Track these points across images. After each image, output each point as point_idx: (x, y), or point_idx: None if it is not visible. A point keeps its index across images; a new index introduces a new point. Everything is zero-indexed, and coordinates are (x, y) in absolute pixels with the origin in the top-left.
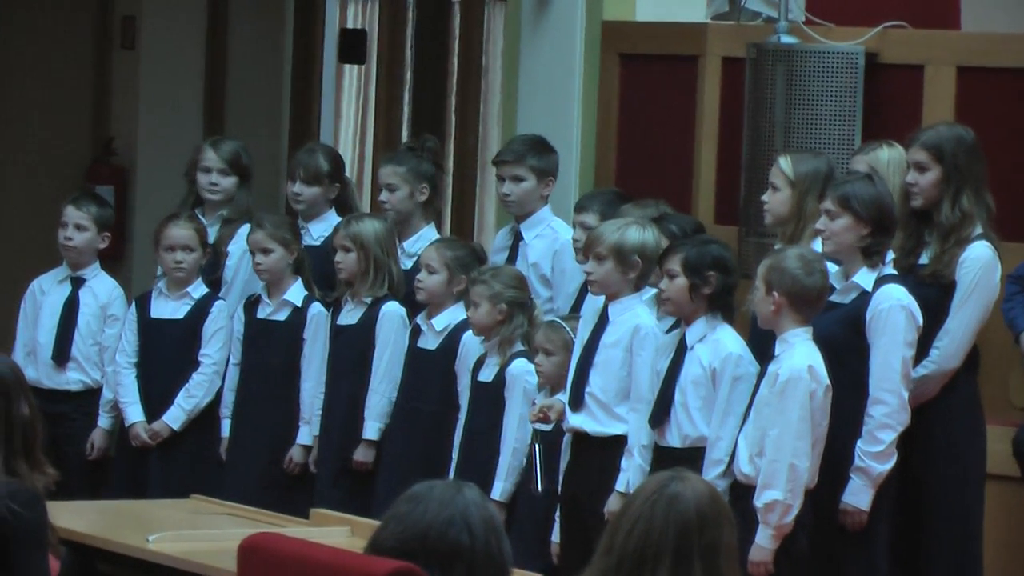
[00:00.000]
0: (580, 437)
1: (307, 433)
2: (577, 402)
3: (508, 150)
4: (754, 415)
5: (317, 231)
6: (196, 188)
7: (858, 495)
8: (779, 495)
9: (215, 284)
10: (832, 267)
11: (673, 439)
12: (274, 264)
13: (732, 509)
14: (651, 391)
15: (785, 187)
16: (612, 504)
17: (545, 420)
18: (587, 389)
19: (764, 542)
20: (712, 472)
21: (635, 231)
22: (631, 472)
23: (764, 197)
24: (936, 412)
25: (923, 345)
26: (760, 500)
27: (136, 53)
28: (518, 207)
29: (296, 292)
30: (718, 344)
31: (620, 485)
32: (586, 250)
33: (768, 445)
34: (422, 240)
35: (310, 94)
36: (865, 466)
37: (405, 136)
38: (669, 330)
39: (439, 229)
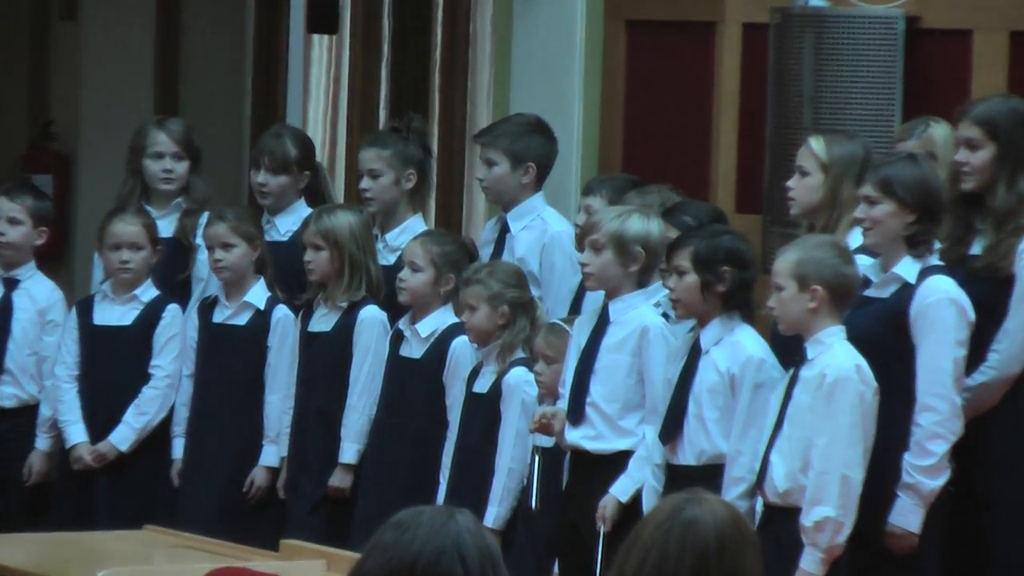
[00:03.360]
0: (580, 455)
1: (273, 453)
2: (577, 415)
3: (486, 129)
4: (790, 426)
5: (285, 225)
6: (141, 178)
7: (907, 515)
8: (831, 511)
9: (184, 284)
10: (864, 259)
11: (687, 456)
12: (237, 261)
13: (759, 533)
14: (663, 400)
15: (816, 171)
16: (607, 507)
17: (547, 430)
18: (588, 400)
19: (811, 567)
20: (733, 492)
21: (638, 219)
22: (645, 493)
23: (790, 183)
24: (998, 423)
25: (977, 347)
26: (808, 518)
27: (77, 24)
28: (492, 195)
29: (258, 293)
30: (736, 347)
31: (621, 494)
32: (582, 238)
33: (815, 456)
34: (407, 233)
35: (275, 69)
36: (914, 482)
37: (383, 116)
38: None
39: (427, 219)
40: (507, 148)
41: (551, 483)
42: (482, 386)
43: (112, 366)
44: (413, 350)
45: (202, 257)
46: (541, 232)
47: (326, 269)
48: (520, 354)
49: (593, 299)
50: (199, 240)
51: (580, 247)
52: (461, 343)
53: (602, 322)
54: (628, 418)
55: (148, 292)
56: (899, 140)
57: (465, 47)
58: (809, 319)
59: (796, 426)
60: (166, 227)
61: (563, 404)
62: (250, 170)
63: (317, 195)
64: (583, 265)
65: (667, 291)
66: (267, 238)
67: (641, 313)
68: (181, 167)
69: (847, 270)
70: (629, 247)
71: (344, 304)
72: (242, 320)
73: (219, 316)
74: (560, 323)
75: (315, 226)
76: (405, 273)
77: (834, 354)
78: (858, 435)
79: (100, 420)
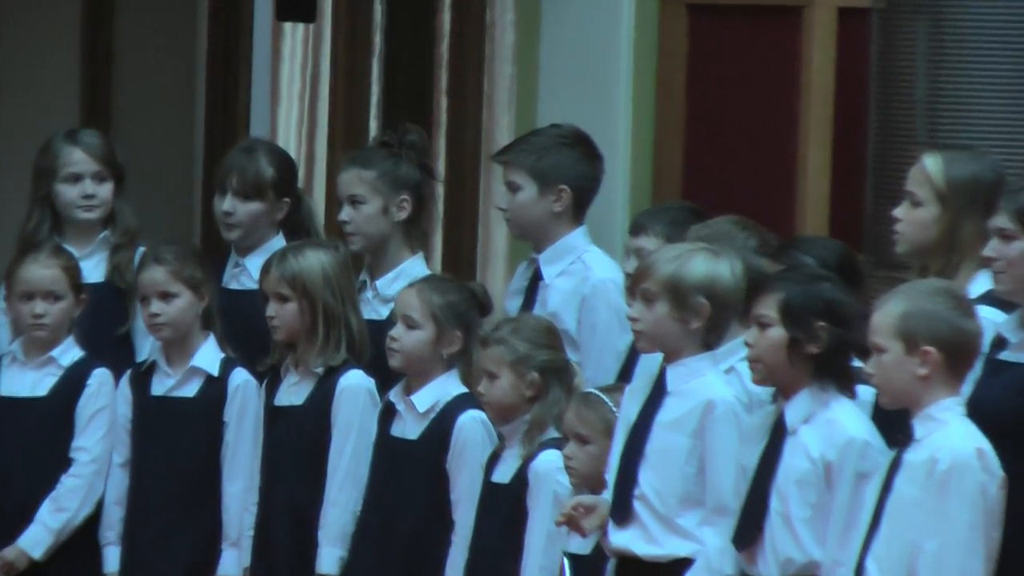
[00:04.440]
0: (627, 562)
1: (233, 561)
2: (623, 511)
3: (508, 146)
4: (890, 524)
5: (256, 270)
6: (51, 207)
7: None
8: None
9: (122, 341)
10: (992, 311)
11: (769, 566)
12: (179, 315)
13: None
14: (736, 495)
15: (931, 200)
16: None
17: (577, 528)
18: (636, 491)
19: None
20: None
21: (702, 261)
22: None
23: (897, 212)
24: None
25: None
26: None
27: None
28: (517, 228)
29: (209, 355)
30: (832, 426)
31: None
32: (632, 286)
33: (924, 566)
34: (403, 278)
35: (236, 68)
36: None
37: (375, 126)
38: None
39: (428, 262)
40: (533, 167)
41: None
42: (503, 474)
43: (22, 448)
44: (408, 428)
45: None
46: (581, 280)
47: (294, 325)
48: (553, 434)
49: (647, 364)
50: None
51: (630, 297)
52: (469, 420)
53: (657, 393)
54: (687, 516)
55: (69, 353)
56: None
57: (480, 38)
58: (918, 389)
59: (898, 525)
60: (91, 270)
61: (606, 496)
62: (216, 195)
63: (299, 230)
64: (632, 320)
65: (744, 352)
66: (236, 285)
67: (706, 383)
68: (104, 190)
69: (967, 325)
70: (688, 297)
71: (319, 370)
72: (190, 391)
73: (159, 386)
74: (597, 392)
75: (277, 270)
76: (398, 330)
77: (949, 434)
78: (979, 539)
79: (6, 517)
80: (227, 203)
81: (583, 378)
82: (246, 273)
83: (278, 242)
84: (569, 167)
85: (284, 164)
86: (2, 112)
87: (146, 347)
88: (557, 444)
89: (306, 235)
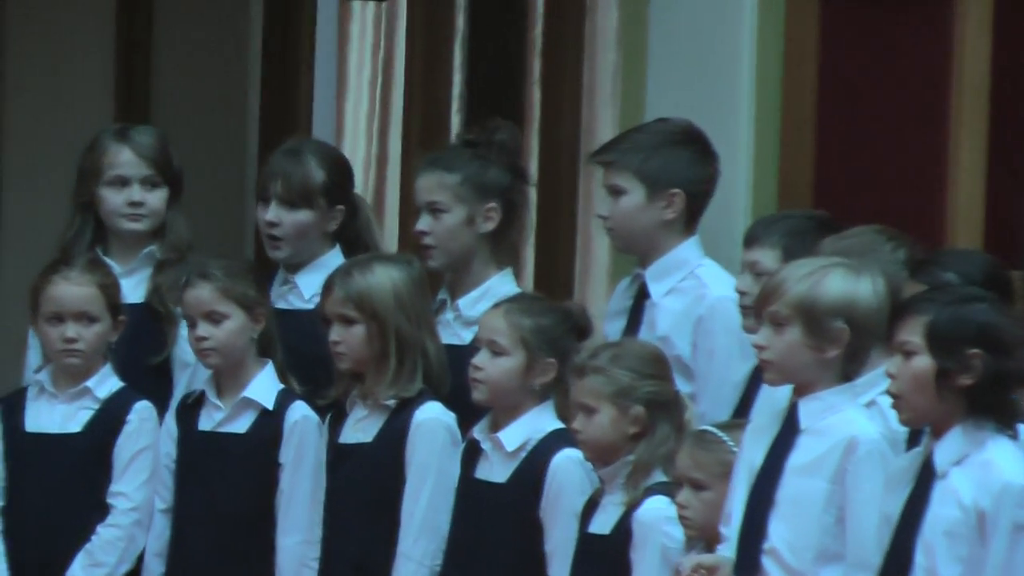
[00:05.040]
0: None
1: None
2: (750, 569)
3: (611, 142)
4: None
5: (310, 286)
6: (94, 215)
7: None
8: None
9: (158, 369)
10: None
11: None
12: (229, 339)
13: None
14: (878, 547)
15: None
16: None
17: None
18: (765, 545)
19: None
20: None
21: (840, 279)
22: None
23: None
24: None
25: None
26: None
27: None
28: (621, 239)
29: (264, 386)
30: (988, 469)
31: None
32: (757, 309)
33: None
34: (488, 298)
35: (295, 53)
36: None
37: (457, 122)
38: (909, 445)
39: (517, 279)
40: (641, 168)
41: None
42: (602, 525)
43: (52, 493)
44: (495, 471)
45: (185, 331)
46: (695, 298)
47: (362, 352)
48: (660, 477)
49: (771, 397)
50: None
51: (752, 322)
52: (565, 461)
53: (788, 432)
54: (824, 573)
55: (106, 384)
56: None
57: (579, 20)
58: None
59: None
60: (132, 289)
61: (727, 550)
62: (256, 203)
63: (356, 243)
64: (759, 348)
65: (886, 384)
66: (283, 305)
67: (846, 419)
68: (155, 198)
69: None
70: (824, 321)
71: (391, 403)
72: (241, 426)
73: (207, 421)
74: (714, 430)
75: (342, 289)
76: (483, 357)
77: None
78: None
79: (33, 573)
80: (272, 212)
81: (696, 413)
82: (296, 291)
83: (334, 256)
84: (682, 168)
85: (336, 166)
86: (19, 106)
87: (183, 381)
88: (665, 490)
89: (364, 248)
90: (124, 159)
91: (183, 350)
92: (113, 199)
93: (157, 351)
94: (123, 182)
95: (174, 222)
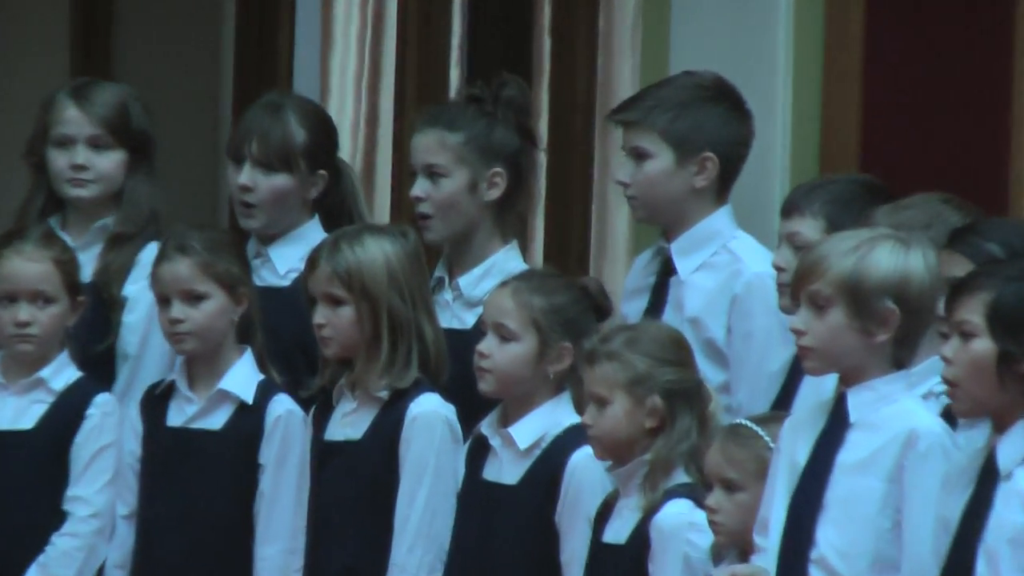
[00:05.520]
0: None
1: None
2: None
3: (631, 99)
4: None
5: (286, 261)
6: (46, 179)
7: None
8: None
9: (99, 360)
10: None
11: None
12: (208, 321)
13: None
14: (936, 555)
15: None
16: None
17: None
18: (813, 554)
19: None
20: None
21: (889, 253)
22: None
23: None
24: None
25: None
26: None
27: None
28: (645, 209)
29: (243, 376)
30: None
31: None
32: (795, 289)
33: None
34: (495, 275)
35: (273, 0)
36: None
37: (456, 77)
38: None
39: (525, 253)
40: (668, 129)
41: None
42: (618, 533)
43: (1, 498)
44: (505, 471)
45: (130, 319)
46: (730, 275)
47: (350, 336)
48: (682, 478)
49: (814, 388)
50: (129, 288)
51: (789, 302)
52: (586, 460)
53: (836, 426)
54: None
55: (63, 374)
56: None
57: None
58: None
59: None
60: (84, 266)
61: (763, 560)
62: (229, 166)
63: (340, 212)
64: (797, 333)
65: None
66: (256, 281)
67: (903, 410)
68: (104, 161)
69: None
70: (872, 301)
71: (383, 394)
72: (217, 421)
73: (178, 416)
74: (749, 424)
75: (329, 264)
76: (489, 343)
77: None
78: None
79: None
80: (245, 175)
81: (728, 403)
82: (269, 265)
83: (313, 227)
84: (715, 129)
85: (320, 125)
86: None
87: (124, 375)
88: (687, 492)
89: (348, 220)
90: (68, 116)
91: (125, 340)
92: (57, 161)
93: (99, 339)
94: (67, 142)
95: (133, 191)
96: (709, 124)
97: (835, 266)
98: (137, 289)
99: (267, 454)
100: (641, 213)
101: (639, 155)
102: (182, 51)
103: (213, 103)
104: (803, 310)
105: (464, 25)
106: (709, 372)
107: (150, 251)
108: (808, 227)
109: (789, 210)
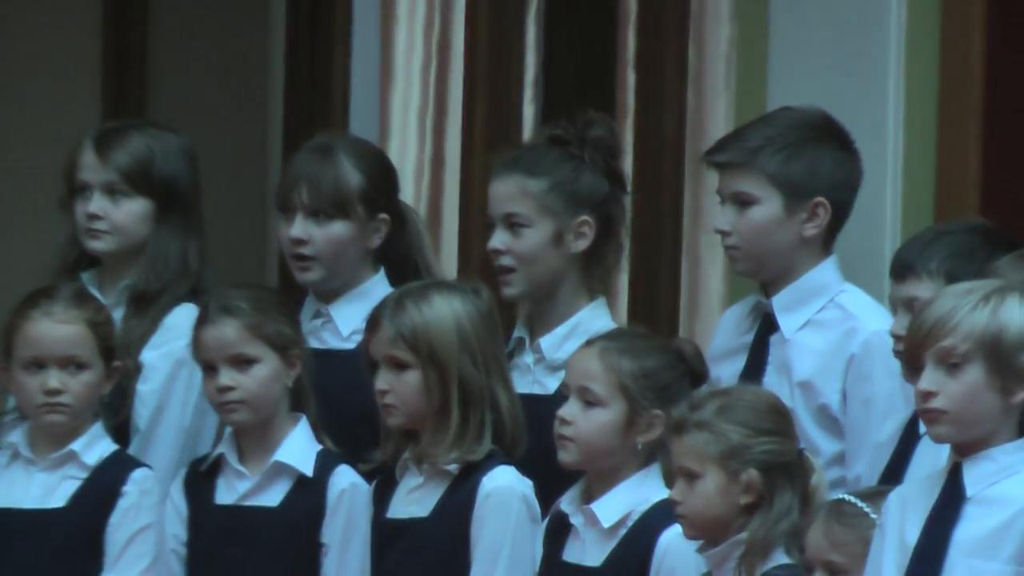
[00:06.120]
0: None
1: None
2: None
3: (728, 138)
4: None
5: (349, 321)
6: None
7: None
8: None
9: (119, 434)
10: None
11: None
12: (260, 390)
13: None
14: None
15: None
16: None
17: None
18: None
19: None
20: None
21: (1019, 306)
22: None
23: None
24: None
25: None
26: None
27: None
28: (747, 261)
29: (300, 447)
30: None
31: None
32: (915, 351)
33: None
34: (578, 335)
35: (328, 31)
36: None
37: (530, 117)
38: None
39: (613, 310)
40: (779, 172)
41: None
42: None
43: None
44: (588, 552)
45: (143, 388)
46: (844, 333)
47: (417, 404)
48: (782, 559)
49: (930, 452)
50: (147, 355)
51: (907, 368)
52: (677, 539)
53: (950, 499)
54: None
55: (97, 447)
56: None
57: None
58: None
59: None
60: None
61: None
62: (279, 220)
63: (405, 264)
64: (925, 396)
65: None
66: (315, 343)
67: None
68: (121, 212)
69: None
70: (1013, 357)
71: (453, 467)
72: (274, 498)
73: (228, 493)
74: (854, 501)
75: (392, 325)
76: (572, 409)
77: None
78: None
79: None
80: (297, 227)
81: (843, 475)
82: (331, 326)
83: (378, 282)
84: (828, 172)
85: (376, 166)
86: (15, 102)
87: (133, 451)
88: (788, 575)
89: (414, 271)
90: (85, 161)
91: (136, 413)
92: (76, 210)
93: (114, 412)
94: (85, 188)
95: (158, 245)
96: (821, 167)
97: (968, 320)
98: (156, 356)
99: (331, 533)
100: (743, 265)
101: (742, 201)
102: (225, 89)
103: (260, 147)
104: (930, 370)
105: (539, 58)
106: (822, 442)
107: (178, 314)
108: (926, 290)
109: (903, 272)
